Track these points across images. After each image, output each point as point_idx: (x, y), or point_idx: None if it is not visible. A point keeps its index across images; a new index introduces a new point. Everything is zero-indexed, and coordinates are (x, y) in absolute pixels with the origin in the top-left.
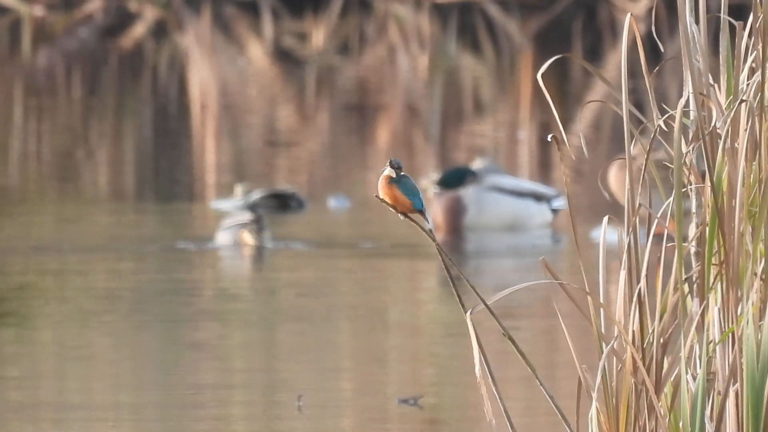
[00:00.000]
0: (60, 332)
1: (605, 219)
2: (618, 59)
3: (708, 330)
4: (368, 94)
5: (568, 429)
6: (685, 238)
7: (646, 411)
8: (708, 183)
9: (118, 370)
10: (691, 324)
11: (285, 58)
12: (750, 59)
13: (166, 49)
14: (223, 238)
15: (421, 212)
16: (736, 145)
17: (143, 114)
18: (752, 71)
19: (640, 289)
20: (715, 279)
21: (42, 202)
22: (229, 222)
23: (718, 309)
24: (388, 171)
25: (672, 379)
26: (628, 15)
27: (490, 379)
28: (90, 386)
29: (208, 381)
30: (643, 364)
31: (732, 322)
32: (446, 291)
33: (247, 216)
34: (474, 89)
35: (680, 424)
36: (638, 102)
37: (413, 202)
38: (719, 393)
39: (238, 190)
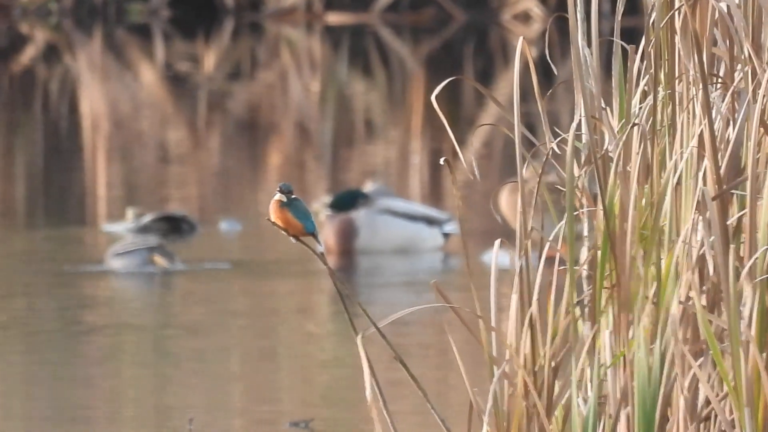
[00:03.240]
0: None
1: (497, 242)
2: (510, 82)
3: (599, 353)
4: (260, 117)
5: None
6: (576, 262)
7: None
8: (600, 206)
9: (7, 401)
10: (582, 347)
11: (176, 80)
12: (642, 83)
13: (58, 71)
14: (121, 262)
15: (313, 235)
16: (628, 168)
17: (34, 136)
18: (644, 95)
19: (531, 313)
20: (606, 302)
21: None
22: (128, 246)
23: (610, 332)
24: (279, 196)
25: (563, 402)
26: (521, 38)
27: (381, 402)
28: None
29: (99, 412)
30: (535, 388)
31: (623, 346)
32: (338, 314)
33: (152, 240)
34: (366, 112)
35: None
36: (530, 125)
37: (305, 224)
38: (610, 416)
39: (130, 213)
